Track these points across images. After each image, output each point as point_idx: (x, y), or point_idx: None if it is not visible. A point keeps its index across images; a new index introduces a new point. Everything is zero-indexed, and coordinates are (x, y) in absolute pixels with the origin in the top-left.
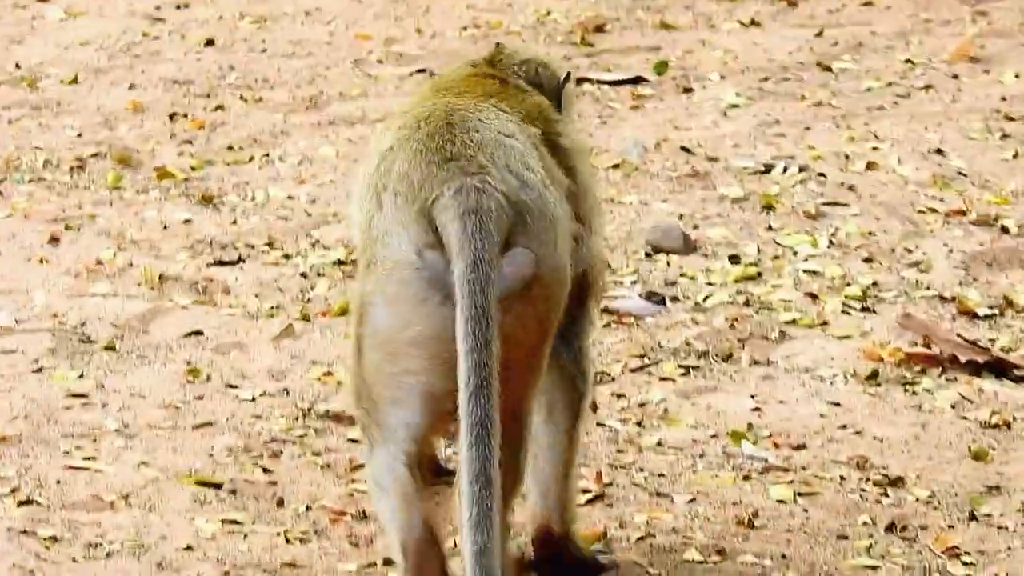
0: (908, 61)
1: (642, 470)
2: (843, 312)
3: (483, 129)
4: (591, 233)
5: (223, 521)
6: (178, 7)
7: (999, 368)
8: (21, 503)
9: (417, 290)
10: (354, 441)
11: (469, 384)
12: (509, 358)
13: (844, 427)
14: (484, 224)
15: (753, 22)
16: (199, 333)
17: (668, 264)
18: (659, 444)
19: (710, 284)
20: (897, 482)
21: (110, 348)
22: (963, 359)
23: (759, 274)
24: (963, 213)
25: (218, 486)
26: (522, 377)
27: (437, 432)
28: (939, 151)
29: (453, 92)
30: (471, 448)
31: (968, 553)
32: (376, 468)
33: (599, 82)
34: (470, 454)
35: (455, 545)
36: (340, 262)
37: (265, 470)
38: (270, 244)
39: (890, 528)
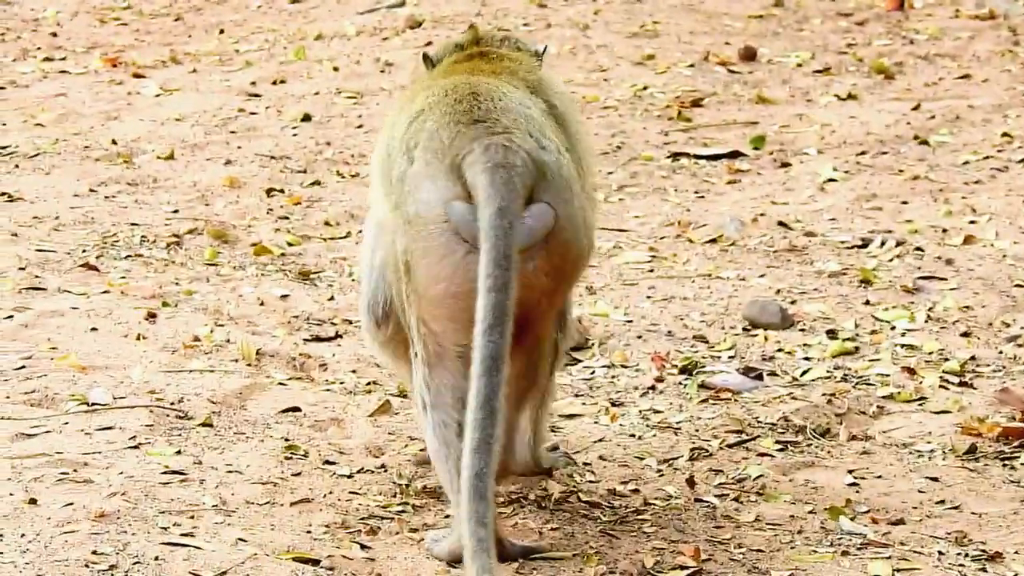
0: (1005, 135)
1: (740, 546)
2: (941, 387)
3: (505, 99)
4: (583, 187)
5: None
6: (274, 83)
7: None
8: None
9: (446, 243)
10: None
11: (484, 320)
12: (531, 300)
13: (942, 502)
14: (510, 177)
15: (850, 96)
16: (296, 409)
17: (766, 339)
18: (757, 520)
19: (807, 359)
20: (996, 557)
21: (207, 424)
22: None
23: (856, 349)
24: None
25: (316, 562)
26: (542, 314)
27: None
28: None
29: (463, 71)
30: (480, 378)
31: None
32: (421, 390)
33: (696, 157)
34: (479, 384)
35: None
36: None
37: (363, 547)
38: None
39: None
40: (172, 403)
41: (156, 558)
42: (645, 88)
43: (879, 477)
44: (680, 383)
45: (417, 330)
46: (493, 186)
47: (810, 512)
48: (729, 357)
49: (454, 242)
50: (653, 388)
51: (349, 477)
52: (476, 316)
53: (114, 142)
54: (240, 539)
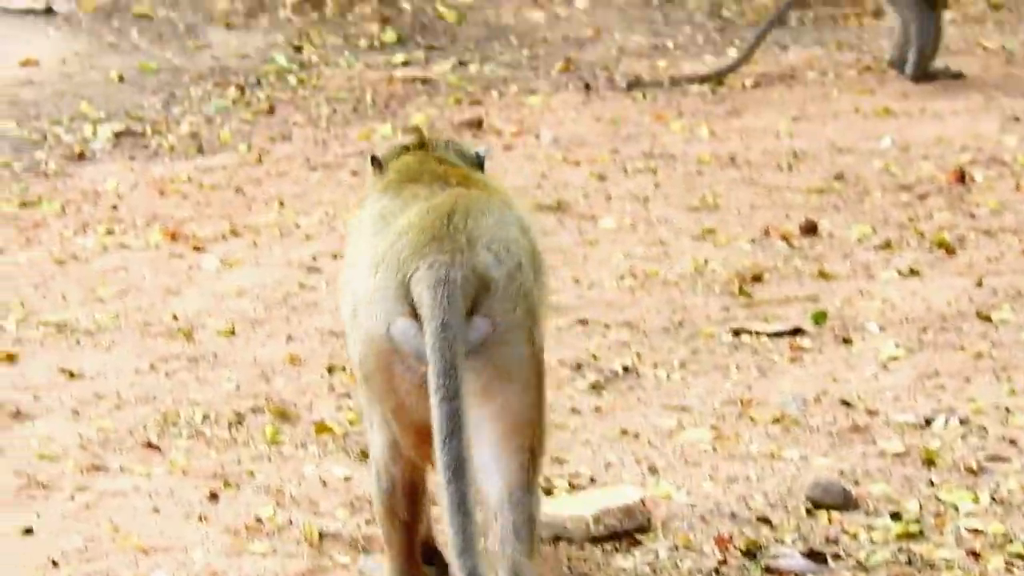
0: None
1: None
2: (1006, 570)
3: (481, 216)
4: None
5: None
6: (334, 257)
7: None
8: None
9: (391, 360)
10: None
11: (441, 431)
12: (490, 405)
13: None
14: (451, 292)
15: (912, 271)
16: None
17: (829, 521)
18: None
19: (872, 542)
20: None
21: None
22: None
23: (921, 532)
24: None
25: None
26: (508, 416)
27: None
28: None
29: (440, 178)
30: (448, 485)
31: None
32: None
33: (757, 333)
34: (449, 491)
35: None
36: None
37: None
38: None
39: None
40: None
41: None
42: (706, 263)
43: None
44: (743, 566)
45: (380, 421)
46: (434, 301)
47: None
48: (793, 540)
49: (398, 359)
50: (717, 572)
51: None
52: (433, 428)
53: (175, 317)
54: None
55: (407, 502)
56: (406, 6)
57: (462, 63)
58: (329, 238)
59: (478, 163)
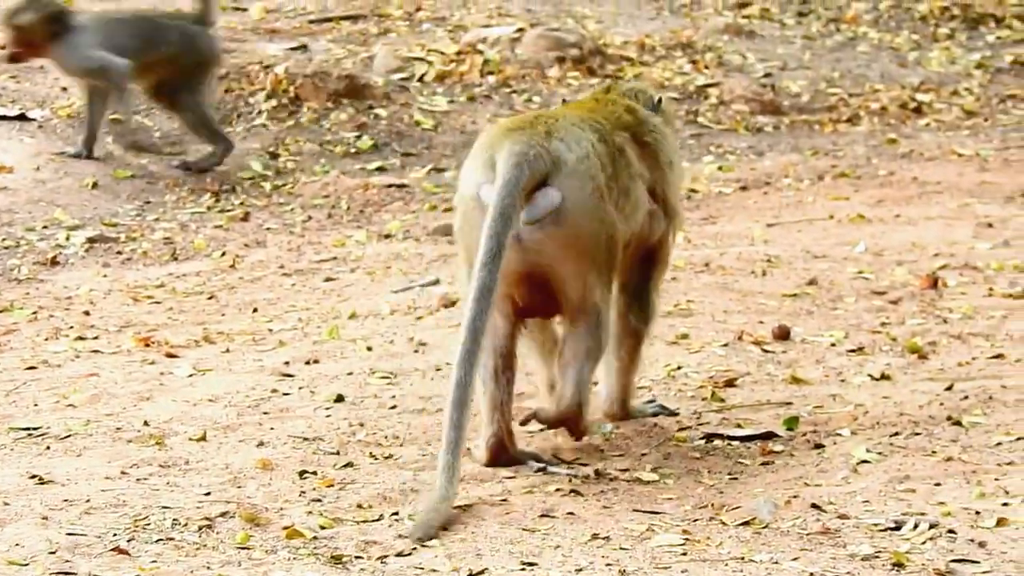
0: None
1: None
2: None
3: (561, 119)
4: (667, 212)
5: None
6: (307, 362)
7: None
8: None
9: (476, 214)
10: None
11: (481, 257)
12: (544, 266)
13: None
14: (520, 162)
15: (883, 376)
16: None
17: None
18: None
19: None
20: None
21: None
22: None
23: None
24: None
25: None
26: (563, 282)
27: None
28: None
29: (572, 106)
30: (473, 303)
31: None
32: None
33: (730, 438)
34: (470, 308)
35: None
36: None
37: None
38: None
39: None
40: None
41: None
42: (679, 368)
43: None
44: None
45: (467, 272)
46: (505, 168)
47: None
48: None
49: (483, 216)
50: None
51: None
52: (476, 255)
53: (146, 423)
54: None
55: (498, 355)
56: (382, 113)
57: (438, 169)
58: (302, 344)
59: (652, 107)
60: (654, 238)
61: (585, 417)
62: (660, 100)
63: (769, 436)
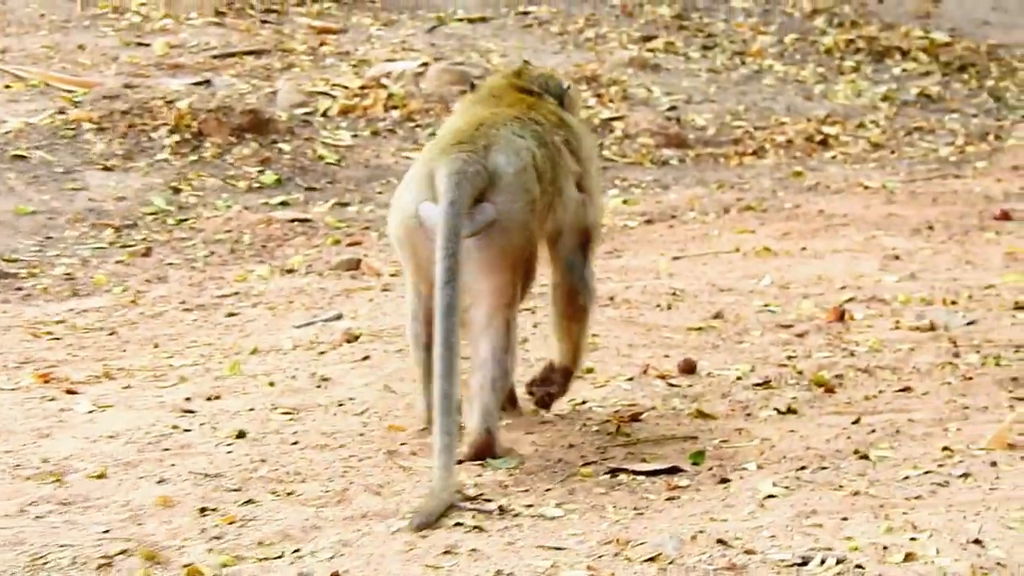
0: (946, 448)
1: None
2: None
3: (502, 128)
4: (591, 201)
5: None
6: (209, 399)
7: None
8: None
9: (415, 231)
10: None
11: (440, 278)
12: (487, 280)
13: None
14: (460, 181)
15: (790, 410)
16: None
17: None
18: None
19: None
20: None
21: None
22: None
23: None
24: None
25: None
26: (498, 292)
27: None
28: (978, 541)
29: (502, 102)
30: (441, 322)
31: None
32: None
33: (635, 473)
34: (440, 327)
35: None
36: None
37: None
38: None
39: None
40: None
41: None
42: (584, 402)
43: None
44: None
45: (409, 280)
46: (447, 187)
47: None
48: None
49: (421, 232)
50: None
51: None
52: (434, 277)
53: (45, 460)
54: None
55: (427, 331)
56: (285, 147)
57: (341, 204)
58: (204, 380)
59: (558, 95)
60: (586, 224)
61: (497, 438)
62: (568, 87)
63: (675, 471)
